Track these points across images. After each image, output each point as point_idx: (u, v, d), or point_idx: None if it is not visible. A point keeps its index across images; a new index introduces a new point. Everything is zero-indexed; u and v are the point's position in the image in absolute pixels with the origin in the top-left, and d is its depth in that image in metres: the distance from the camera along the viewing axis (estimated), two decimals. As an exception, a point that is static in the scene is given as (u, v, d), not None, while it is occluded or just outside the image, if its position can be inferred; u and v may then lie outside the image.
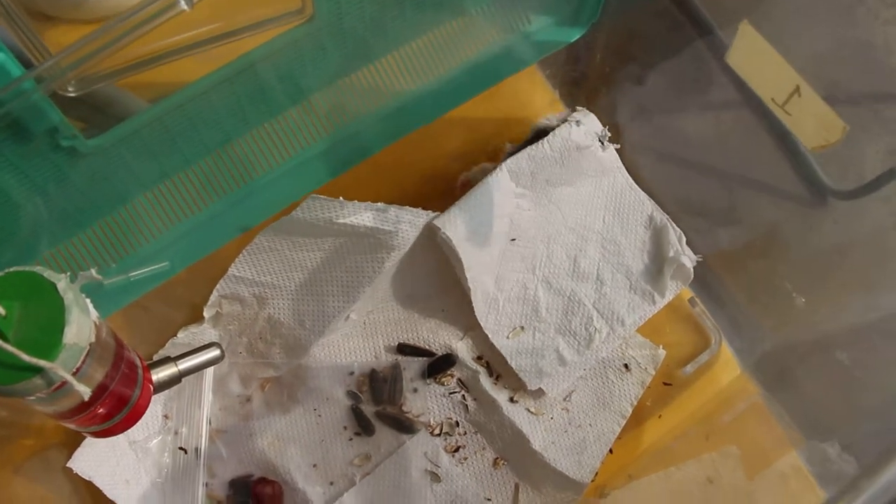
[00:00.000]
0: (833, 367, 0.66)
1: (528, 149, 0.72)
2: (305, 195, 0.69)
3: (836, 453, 0.60)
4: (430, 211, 0.71)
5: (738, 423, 0.72)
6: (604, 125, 0.77)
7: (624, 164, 0.79)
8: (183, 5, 0.47)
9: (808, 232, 0.66)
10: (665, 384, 0.77)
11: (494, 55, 0.73)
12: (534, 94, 0.82)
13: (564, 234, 0.77)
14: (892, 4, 0.54)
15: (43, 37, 0.53)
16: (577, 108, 0.76)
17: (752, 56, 0.59)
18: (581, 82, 0.81)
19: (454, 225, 0.70)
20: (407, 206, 0.70)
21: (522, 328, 0.75)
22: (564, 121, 0.74)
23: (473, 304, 0.72)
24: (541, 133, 0.74)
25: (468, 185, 0.74)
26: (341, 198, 0.68)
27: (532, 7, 0.75)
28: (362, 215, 0.69)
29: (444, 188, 0.78)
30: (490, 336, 0.73)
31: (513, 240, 0.75)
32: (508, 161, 0.72)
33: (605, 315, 0.75)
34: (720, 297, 0.79)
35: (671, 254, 0.75)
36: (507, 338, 0.74)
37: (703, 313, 0.79)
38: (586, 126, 0.75)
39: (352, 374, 0.75)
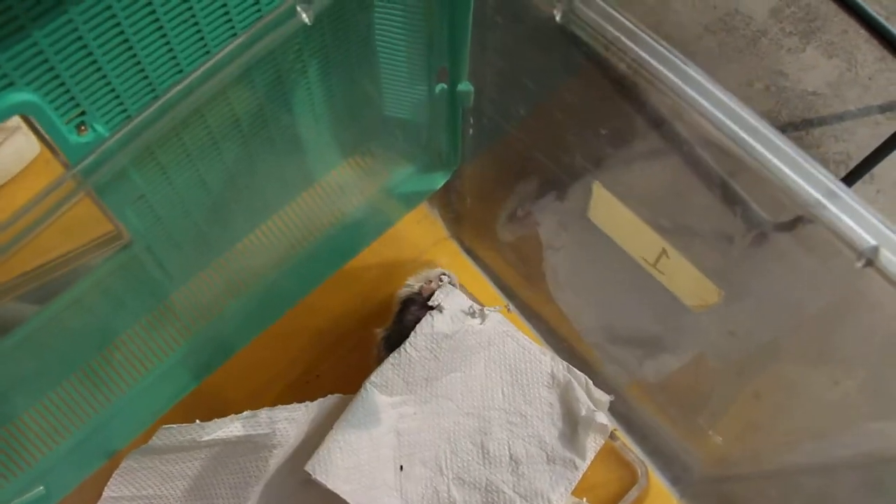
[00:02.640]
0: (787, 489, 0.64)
1: (391, 358, 0.68)
2: (174, 404, 0.68)
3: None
4: (307, 403, 0.67)
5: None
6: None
7: (536, 310, 0.75)
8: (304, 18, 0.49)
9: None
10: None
11: (356, 220, 0.73)
12: (422, 234, 0.81)
13: (464, 422, 0.72)
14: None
15: None
16: (442, 274, 0.71)
17: (612, 216, 0.57)
18: (461, 221, 0.79)
19: (328, 467, 0.65)
20: (280, 406, 0.66)
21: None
22: (428, 290, 0.70)
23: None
24: (408, 304, 0.70)
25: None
26: (197, 420, 0.65)
27: (388, 161, 0.74)
28: (230, 427, 0.65)
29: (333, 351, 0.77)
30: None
31: (404, 459, 0.71)
32: (373, 376, 0.68)
33: (529, 497, 0.70)
34: (642, 424, 0.74)
35: (583, 412, 0.71)
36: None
37: (624, 447, 0.74)
38: (450, 309, 0.70)
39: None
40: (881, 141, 1.13)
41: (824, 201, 0.41)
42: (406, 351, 0.69)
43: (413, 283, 0.71)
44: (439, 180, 0.75)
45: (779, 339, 0.55)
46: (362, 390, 0.68)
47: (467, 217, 0.79)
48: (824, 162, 1.38)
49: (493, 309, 0.73)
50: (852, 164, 1.23)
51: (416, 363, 0.69)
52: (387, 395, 0.69)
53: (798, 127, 1.44)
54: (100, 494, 0.67)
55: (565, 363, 0.73)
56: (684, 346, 0.66)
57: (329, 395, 0.68)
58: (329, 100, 0.63)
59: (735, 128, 0.42)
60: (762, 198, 0.46)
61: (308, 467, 0.64)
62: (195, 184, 0.59)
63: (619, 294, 0.67)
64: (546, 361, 0.74)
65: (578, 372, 0.72)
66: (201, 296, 0.67)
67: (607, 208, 0.58)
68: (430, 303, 0.69)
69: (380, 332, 0.72)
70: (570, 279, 0.73)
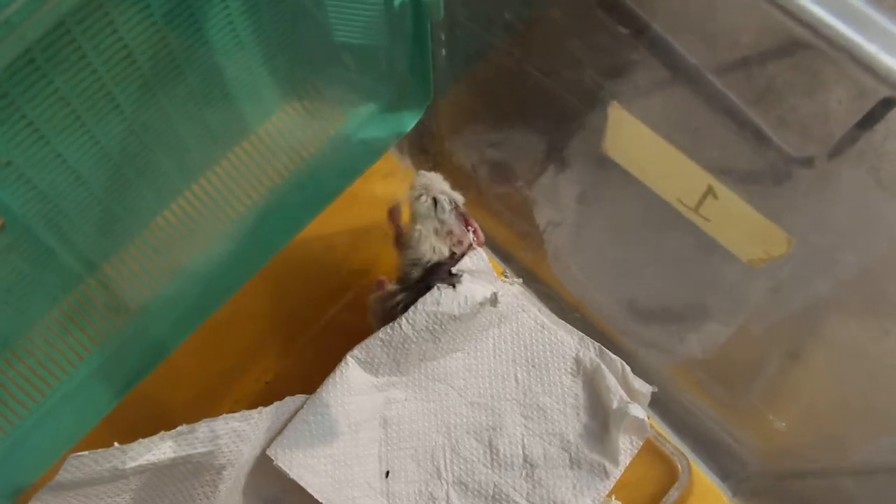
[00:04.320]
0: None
1: (381, 333, 0.63)
2: (93, 425, 0.63)
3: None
4: (260, 409, 0.61)
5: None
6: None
7: (538, 277, 0.71)
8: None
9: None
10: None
11: (307, 179, 0.68)
12: (392, 189, 0.76)
13: (468, 414, 0.68)
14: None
15: None
16: (472, 243, 0.66)
17: (635, 147, 0.52)
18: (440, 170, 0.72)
19: (292, 454, 0.61)
20: (225, 414, 0.60)
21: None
22: (459, 256, 0.65)
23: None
24: (434, 271, 0.65)
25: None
26: (116, 443, 0.59)
27: (341, 101, 0.68)
28: (160, 448, 0.59)
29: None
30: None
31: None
32: (356, 350, 0.63)
33: None
34: (680, 409, 0.69)
35: (615, 404, 0.66)
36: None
37: (660, 437, 0.68)
38: (466, 290, 0.64)
39: None
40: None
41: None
42: (401, 328, 0.64)
43: (441, 247, 0.66)
44: (409, 120, 0.71)
45: (843, 293, 0.51)
46: (342, 364, 0.64)
47: (446, 164, 0.75)
48: None
49: (508, 280, 0.69)
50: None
51: (410, 342, 0.65)
52: (371, 373, 0.65)
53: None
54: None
55: (597, 345, 0.68)
56: (733, 309, 0.61)
57: (289, 398, 0.63)
58: (256, 23, 0.58)
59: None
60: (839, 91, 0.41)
61: (270, 451, 0.61)
62: (84, 144, 0.52)
63: (648, 253, 0.64)
64: (571, 343, 0.69)
65: (612, 355, 0.68)
66: (120, 285, 0.62)
67: (629, 136, 0.52)
68: (452, 270, 0.64)
69: (376, 296, 0.68)
70: (582, 242, 0.69)
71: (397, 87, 0.69)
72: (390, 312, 0.65)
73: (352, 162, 0.71)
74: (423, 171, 0.67)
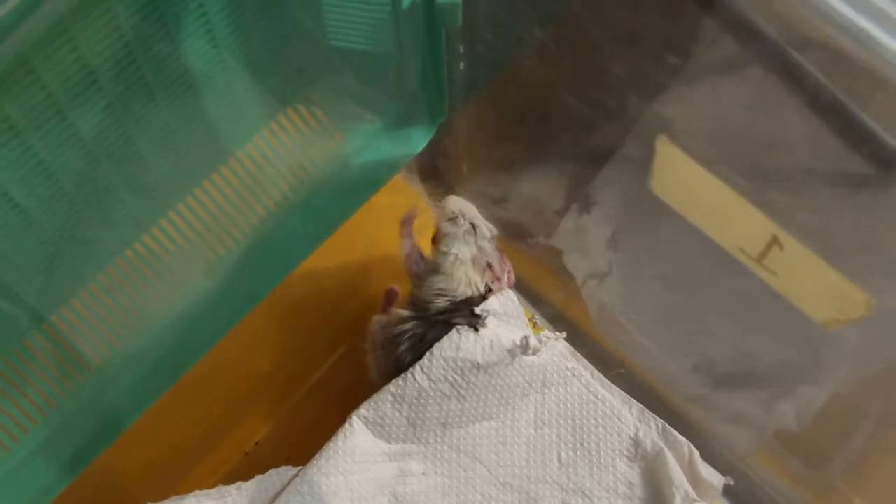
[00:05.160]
0: None
1: (391, 386, 0.65)
2: None
3: None
4: (239, 484, 0.63)
5: None
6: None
7: (573, 322, 0.73)
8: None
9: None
10: None
11: (300, 208, 0.70)
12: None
13: (497, 496, 0.68)
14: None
15: None
16: (494, 285, 0.68)
17: (687, 186, 0.54)
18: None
19: None
20: (197, 491, 0.62)
21: None
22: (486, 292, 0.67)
23: None
24: (459, 308, 0.67)
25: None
26: None
27: (340, 116, 0.69)
28: None
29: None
30: None
31: None
32: (363, 408, 0.65)
33: None
34: (753, 488, 0.70)
35: (677, 500, 0.65)
36: None
37: None
38: (492, 332, 0.66)
39: None
40: None
41: None
42: (414, 378, 0.65)
43: (477, 282, 0.68)
44: (420, 140, 0.72)
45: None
46: (345, 426, 0.65)
47: (464, 192, 0.74)
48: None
49: (553, 335, 0.69)
50: None
51: (427, 398, 0.66)
52: (382, 438, 0.66)
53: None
54: None
55: (660, 422, 0.69)
56: (829, 366, 0.61)
57: (273, 471, 0.64)
58: (236, 26, 0.58)
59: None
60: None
61: None
62: (35, 178, 0.53)
63: (715, 303, 0.65)
64: (629, 418, 0.69)
65: (678, 436, 0.68)
66: (72, 339, 0.62)
67: (679, 175, 0.54)
68: (476, 310, 0.65)
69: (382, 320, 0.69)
70: (631, 295, 0.70)
71: (407, 102, 0.70)
72: (393, 341, 0.66)
73: (352, 189, 0.71)
74: (453, 196, 0.68)
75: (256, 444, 0.73)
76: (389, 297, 0.70)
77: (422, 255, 0.69)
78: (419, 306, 0.67)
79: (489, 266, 0.66)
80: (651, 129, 0.53)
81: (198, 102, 0.61)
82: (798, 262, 0.51)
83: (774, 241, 0.51)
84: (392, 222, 0.71)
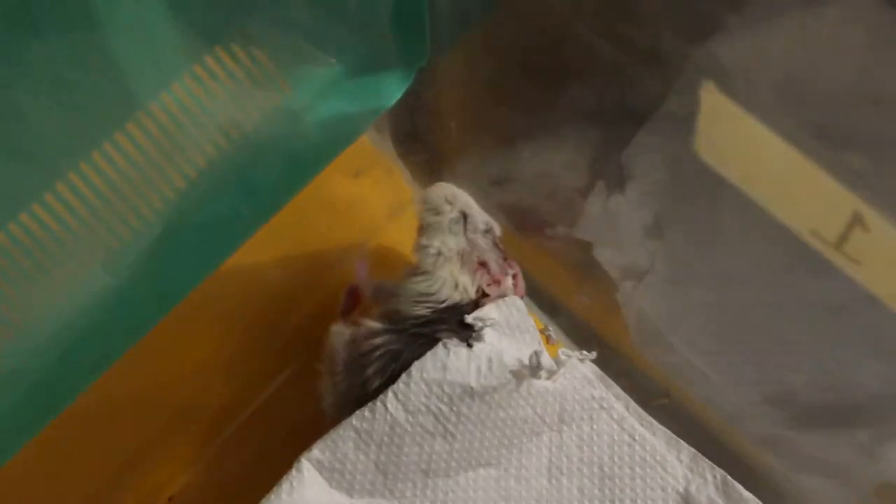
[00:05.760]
0: None
1: (353, 419, 0.65)
2: None
3: None
4: None
5: None
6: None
7: (602, 337, 0.74)
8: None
9: None
10: None
11: (234, 179, 0.70)
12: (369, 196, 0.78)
13: None
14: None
15: None
16: (491, 289, 0.68)
17: (740, 153, 0.55)
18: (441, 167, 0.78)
19: None
20: None
21: None
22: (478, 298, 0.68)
23: None
24: (443, 319, 0.67)
25: None
26: None
27: (287, 58, 0.69)
28: None
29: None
30: None
31: None
32: (314, 449, 0.65)
33: None
34: None
35: None
36: None
37: None
38: (490, 348, 0.67)
39: None
40: None
41: None
42: (386, 409, 0.65)
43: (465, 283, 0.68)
44: (392, 91, 0.73)
45: None
46: (293, 472, 0.64)
47: (451, 159, 0.79)
48: None
49: (574, 354, 0.69)
50: None
51: (405, 436, 0.66)
52: (343, 490, 0.66)
53: None
54: None
55: (718, 472, 0.69)
56: None
57: None
58: None
59: None
60: None
61: None
62: None
63: (792, 312, 0.65)
64: (677, 467, 0.69)
65: (745, 492, 0.67)
66: None
67: (731, 135, 0.54)
68: (467, 319, 0.66)
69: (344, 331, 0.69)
70: (674, 301, 0.71)
71: (374, 40, 0.71)
72: (359, 361, 0.66)
73: (303, 154, 0.72)
74: (442, 182, 0.69)
75: (170, 499, 0.73)
76: (351, 299, 0.71)
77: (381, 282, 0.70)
78: (393, 316, 0.66)
79: (483, 265, 0.66)
80: (697, 74, 0.53)
81: (96, 38, 0.61)
82: (889, 246, 0.50)
83: (856, 219, 0.50)
84: (356, 196, 0.72)
